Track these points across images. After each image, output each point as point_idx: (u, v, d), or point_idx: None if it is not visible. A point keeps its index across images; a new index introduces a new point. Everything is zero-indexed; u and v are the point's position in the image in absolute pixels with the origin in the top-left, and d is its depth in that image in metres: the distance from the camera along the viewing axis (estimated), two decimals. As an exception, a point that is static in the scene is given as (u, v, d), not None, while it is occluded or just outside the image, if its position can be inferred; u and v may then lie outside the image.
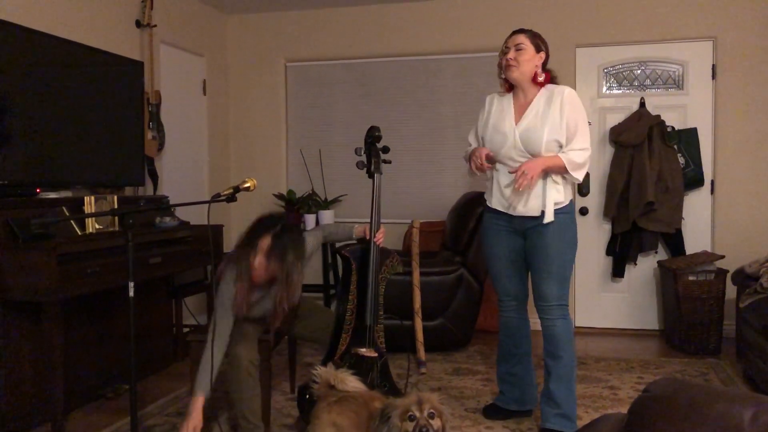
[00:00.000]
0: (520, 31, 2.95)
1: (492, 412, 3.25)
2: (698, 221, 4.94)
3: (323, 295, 5.23)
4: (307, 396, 2.78)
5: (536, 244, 2.92)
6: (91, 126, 3.75)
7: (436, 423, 2.09)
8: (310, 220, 5.25)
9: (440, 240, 5.00)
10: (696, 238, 4.92)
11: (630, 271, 5.06)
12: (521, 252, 3.02)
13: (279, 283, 2.72)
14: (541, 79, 2.92)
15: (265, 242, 2.70)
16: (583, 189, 5.09)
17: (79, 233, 3.34)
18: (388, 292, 3.07)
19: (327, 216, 5.26)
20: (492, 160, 2.94)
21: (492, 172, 3.04)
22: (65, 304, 3.03)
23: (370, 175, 3.00)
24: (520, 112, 2.94)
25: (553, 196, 2.87)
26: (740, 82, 4.82)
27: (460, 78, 5.34)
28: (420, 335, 4.07)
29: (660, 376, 3.90)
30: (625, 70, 5.07)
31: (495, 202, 3.02)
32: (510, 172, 2.88)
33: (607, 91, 5.10)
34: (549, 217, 2.86)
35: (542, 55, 2.93)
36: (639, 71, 5.04)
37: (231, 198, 2.71)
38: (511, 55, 2.89)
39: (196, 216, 4.61)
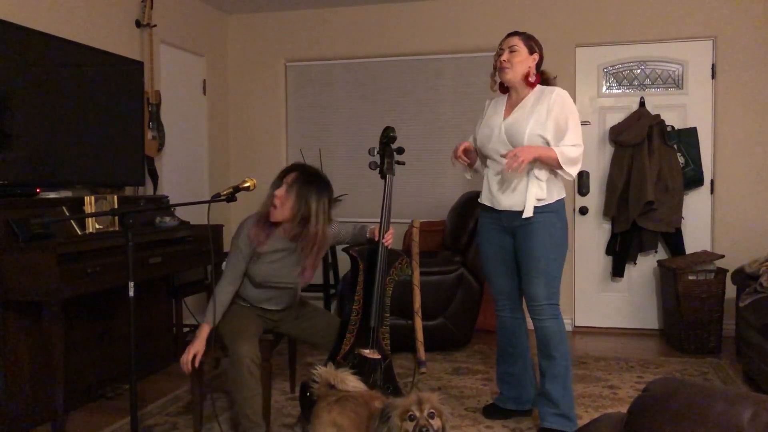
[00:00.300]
0: (515, 33, 3.01)
1: (491, 412, 3.25)
2: (698, 221, 4.94)
3: (323, 295, 5.24)
4: (308, 393, 2.78)
5: (523, 244, 2.95)
6: (91, 126, 3.75)
7: (436, 423, 2.09)
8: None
9: (440, 239, 5.00)
10: (696, 237, 4.92)
11: (630, 270, 5.06)
12: (511, 251, 3.04)
13: (300, 226, 2.79)
14: (532, 79, 2.97)
15: (291, 177, 2.81)
16: (582, 189, 5.10)
17: (80, 233, 3.34)
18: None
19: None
20: (469, 152, 3.06)
21: (484, 169, 3.10)
22: (65, 304, 3.03)
23: (383, 176, 2.99)
24: (510, 109, 3.01)
25: (535, 192, 2.89)
26: (740, 81, 4.82)
27: (460, 77, 5.34)
28: (420, 335, 4.06)
29: (660, 375, 3.90)
30: (624, 69, 5.07)
31: (484, 197, 3.09)
32: (501, 156, 2.91)
33: (607, 91, 5.10)
34: (528, 213, 2.88)
35: (535, 56, 2.99)
36: (639, 71, 5.04)
37: (231, 198, 2.71)
38: (505, 56, 2.96)
39: (196, 216, 4.61)
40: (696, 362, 4.18)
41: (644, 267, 5.05)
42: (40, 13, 3.67)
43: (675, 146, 4.83)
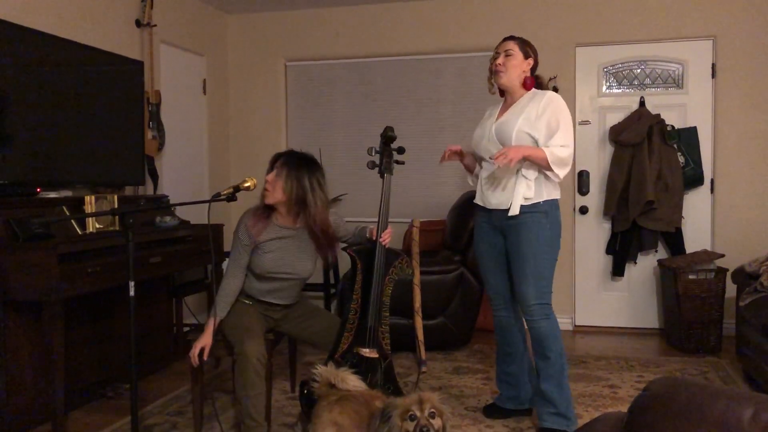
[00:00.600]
0: (510, 38, 3.07)
1: (491, 411, 3.26)
2: (698, 220, 4.94)
3: (324, 295, 5.25)
4: (305, 392, 2.78)
5: (511, 244, 2.98)
6: (91, 125, 3.75)
7: (436, 422, 2.09)
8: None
9: (440, 239, 5.00)
10: (696, 236, 4.92)
11: (630, 270, 5.06)
12: (503, 251, 3.06)
13: (298, 207, 2.87)
14: (527, 83, 3.02)
15: (280, 161, 2.89)
16: (583, 188, 5.10)
17: (80, 233, 3.34)
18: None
19: (327, 215, 5.26)
20: (461, 154, 3.15)
21: (478, 169, 3.15)
22: (66, 304, 3.03)
23: (381, 175, 3.00)
24: (504, 111, 3.07)
25: (522, 190, 2.91)
26: (740, 81, 4.82)
27: (460, 77, 5.34)
28: (420, 334, 4.07)
29: (660, 374, 3.90)
30: (624, 69, 5.07)
31: (477, 196, 3.14)
32: (489, 158, 2.95)
33: (607, 90, 5.10)
34: (514, 211, 2.90)
35: (530, 61, 3.04)
36: (639, 70, 5.04)
37: (231, 197, 2.72)
38: (500, 60, 3.01)
39: (196, 215, 4.61)
40: (696, 361, 4.18)
41: (644, 266, 5.05)
42: (40, 13, 3.67)
43: (675, 146, 4.83)
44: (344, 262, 5.21)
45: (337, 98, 5.61)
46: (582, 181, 5.09)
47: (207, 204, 2.71)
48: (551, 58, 4.94)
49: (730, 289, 4.31)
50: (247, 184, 2.79)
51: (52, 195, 3.45)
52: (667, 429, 1.29)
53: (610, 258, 5.09)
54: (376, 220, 2.95)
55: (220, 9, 5.56)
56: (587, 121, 5.08)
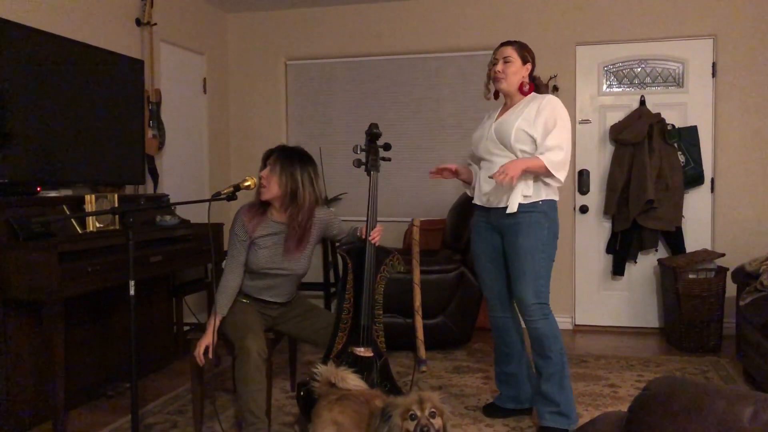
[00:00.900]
0: (508, 43, 3.08)
1: (491, 411, 3.26)
2: (698, 219, 4.94)
3: (323, 294, 5.25)
4: (302, 393, 2.78)
5: (509, 244, 2.98)
6: (91, 124, 3.75)
7: (437, 422, 2.09)
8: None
9: (441, 238, 5.00)
10: (696, 236, 4.92)
11: (630, 269, 5.06)
12: (500, 250, 3.06)
13: (290, 200, 2.88)
14: (525, 89, 3.04)
15: (273, 157, 2.92)
16: (583, 187, 5.09)
17: (80, 232, 3.34)
18: (389, 291, 3.07)
19: (327, 214, 5.26)
20: (455, 172, 3.18)
21: (476, 169, 3.17)
22: (66, 303, 3.03)
23: (368, 173, 3.00)
24: (503, 113, 3.08)
25: (521, 188, 2.92)
26: (740, 80, 4.82)
27: (460, 76, 5.34)
28: (420, 333, 4.07)
29: (660, 374, 3.90)
30: (625, 68, 5.07)
31: (475, 196, 3.14)
32: (489, 177, 2.95)
33: (608, 89, 5.10)
34: (512, 208, 2.90)
35: (528, 66, 3.06)
36: (639, 69, 5.04)
37: (231, 197, 2.72)
38: (500, 67, 3.03)
39: (196, 214, 4.61)
40: (696, 361, 4.18)
41: (644, 265, 5.05)
42: (40, 12, 3.67)
43: (675, 145, 4.83)
44: (344, 261, 5.21)
45: (337, 97, 5.61)
46: (582, 181, 5.09)
47: (207, 203, 2.71)
48: (551, 57, 4.94)
49: (731, 288, 4.30)
50: (247, 183, 2.80)
51: (53, 194, 3.45)
52: (668, 428, 1.29)
53: (610, 257, 5.09)
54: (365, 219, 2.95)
55: (221, 8, 5.56)
56: (587, 120, 5.08)
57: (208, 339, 2.82)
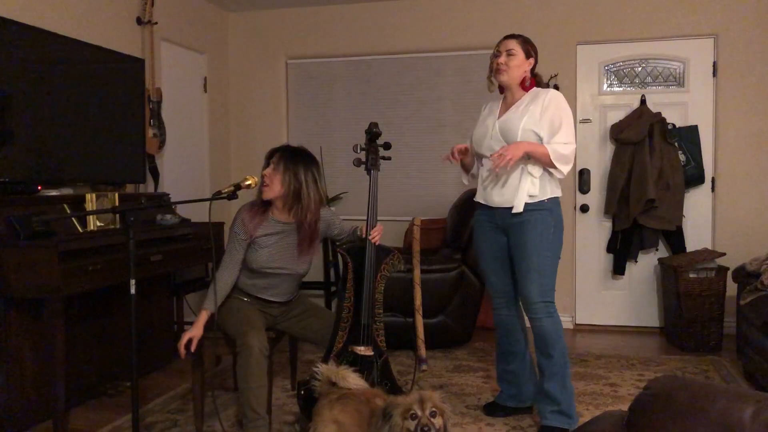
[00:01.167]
0: (512, 36, 3.04)
1: (492, 409, 3.26)
2: (699, 218, 4.94)
3: (324, 293, 5.25)
4: (302, 392, 2.78)
5: (515, 242, 2.97)
6: (92, 123, 3.75)
7: (437, 421, 2.09)
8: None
9: (441, 237, 5.00)
10: (697, 235, 4.92)
11: (631, 268, 5.06)
12: (505, 249, 3.05)
13: (293, 200, 2.88)
14: (527, 84, 3.02)
15: (276, 156, 2.91)
16: (583, 186, 5.09)
17: (81, 230, 3.34)
18: (389, 290, 3.07)
19: (328, 213, 5.26)
20: (465, 153, 3.08)
21: (479, 168, 3.14)
22: (67, 302, 3.03)
23: (368, 172, 3.00)
24: (505, 109, 3.05)
25: (527, 188, 2.91)
26: (741, 79, 4.81)
27: (461, 75, 5.34)
28: (421, 332, 4.07)
29: (660, 373, 3.90)
30: (626, 67, 5.07)
31: (478, 195, 3.12)
32: (489, 157, 2.93)
33: (608, 89, 5.10)
34: (518, 208, 2.89)
35: (531, 61, 3.03)
36: (640, 68, 5.04)
37: (232, 196, 2.72)
38: (502, 59, 2.99)
39: (197, 213, 4.61)
40: (696, 360, 4.18)
41: (645, 265, 5.04)
42: (41, 11, 3.67)
43: (676, 144, 4.82)
44: (345, 260, 5.22)
45: (338, 96, 5.61)
46: (583, 180, 5.09)
47: (208, 202, 2.72)
48: (552, 56, 4.94)
49: (731, 287, 4.31)
50: (248, 182, 2.80)
51: (53, 193, 3.45)
52: (668, 427, 1.29)
53: (610, 256, 5.09)
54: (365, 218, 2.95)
55: (221, 7, 5.55)
56: (588, 119, 5.07)
57: (193, 332, 2.82)
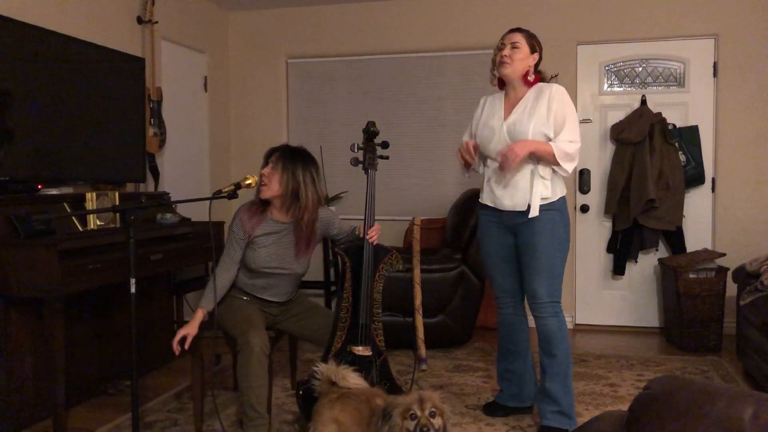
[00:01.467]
0: (518, 30, 3.00)
1: (492, 409, 3.25)
2: (699, 219, 4.94)
3: (324, 292, 5.25)
4: (301, 391, 2.78)
5: (525, 241, 2.94)
6: (92, 122, 3.75)
7: (437, 422, 2.09)
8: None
9: (441, 237, 5.00)
10: (697, 235, 4.92)
11: (630, 268, 5.06)
12: (512, 249, 3.03)
13: (291, 200, 2.89)
14: (530, 78, 2.97)
15: (276, 155, 2.92)
16: (584, 186, 5.09)
17: (81, 229, 3.34)
18: (389, 290, 3.07)
19: (328, 213, 5.27)
20: (476, 150, 3.01)
21: (484, 169, 3.09)
22: (67, 300, 3.03)
23: (365, 172, 3.00)
24: (509, 108, 3.00)
25: (540, 191, 2.89)
26: (742, 79, 4.81)
27: (461, 75, 5.34)
28: (421, 332, 4.07)
29: (660, 373, 3.90)
30: (626, 67, 5.07)
31: (485, 197, 3.07)
32: (494, 158, 2.91)
33: (609, 89, 5.10)
34: (534, 212, 2.87)
35: (536, 56, 2.99)
36: (640, 69, 5.04)
37: (232, 195, 2.73)
38: (506, 52, 2.94)
39: (197, 213, 4.61)
40: (696, 360, 4.18)
41: (645, 265, 5.05)
42: (41, 10, 3.67)
43: (676, 144, 4.83)
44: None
45: (338, 96, 5.61)
46: (583, 180, 5.09)
47: (208, 201, 2.72)
48: (552, 56, 4.92)
49: (731, 288, 4.31)
50: (248, 182, 2.80)
51: (54, 192, 3.45)
52: (668, 428, 1.29)
53: (610, 256, 5.09)
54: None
55: (222, 6, 5.55)
56: (588, 119, 5.07)
57: (188, 329, 2.82)
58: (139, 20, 4.44)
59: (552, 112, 2.86)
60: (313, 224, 2.95)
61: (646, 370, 4.00)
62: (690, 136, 4.86)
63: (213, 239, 3.19)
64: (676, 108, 4.93)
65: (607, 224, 5.09)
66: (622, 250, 4.99)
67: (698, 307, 4.38)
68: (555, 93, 2.89)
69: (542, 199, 2.89)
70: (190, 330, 2.82)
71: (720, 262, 4.51)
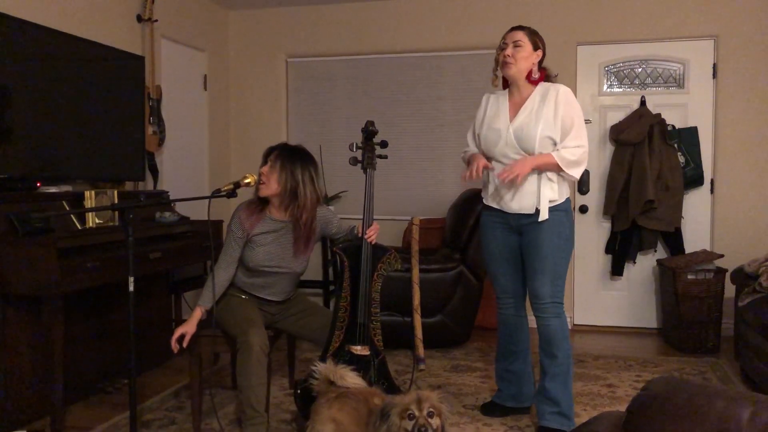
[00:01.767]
0: (519, 27, 2.96)
1: (490, 409, 3.25)
2: (698, 220, 4.94)
3: (322, 292, 5.25)
4: (299, 391, 2.78)
5: (530, 242, 2.93)
6: (91, 120, 3.75)
7: (435, 422, 2.09)
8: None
9: (440, 237, 5.00)
10: (695, 236, 4.92)
11: (629, 269, 5.06)
12: (516, 249, 3.02)
13: (290, 199, 2.88)
14: (536, 77, 2.94)
15: (274, 154, 2.92)
16: (583, 187, 5.10)
17: (80, 228, 3.34)
18: (387, 289, 3.07)
19: (327, 212, 5.26)
20: (487, 168, 2.97)
21: (489, 171, 3.06)
22: (65, 299, 3.03)
23: (364, 171, 3.00)
24: (514, 109, 2.96)
25: (548, 194, 2.88)
26: (741, 81, 4.82)
27: (460, 75, 5.34)
28: (419, 332, 4.07)
29: (658, 374, 3.90)
30: (626, 68, 5.07)
31: (489, 199, 3.06)
32: (497, 176, 2.90)
33: (608, 89, 5.10)
34: (543, 216, 2.87)
35: (539, 53, 2.95)
36: (640, 69, 5.04)
37: (231, 194, 2.72)
38: (509, 51, 2.91)
39: (196, 211, 4.61)
40: (694, 361, 4.19)
41: (643, 266, 5.05)
42: (41, 8, 3.67)
43: (675, 145, 4.83)
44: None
45: (337, 95, 5.61)
46: (582, 180, 5.09)
47: (207, 200, 2.71)
48: (552, 57, 4.88)
49: (729, 289, 4.31)
50: (247, 180, 2.80)
51: (52, 190, 3.45)
52: (666, 428, 1.29)
53: (609, 257, 5.09)
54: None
55: (221, 5, 5.55)
56: (588, 120, 5.07)
57: (186, 327, 2.83)
58: (139, 18, 4.44)
59: (559, 116, 2.84)
60: (312, 223, 2.94)
61: (644, 370, 4.00)
62: (689, 137, 4.86)
63: (212, 238, 3.19)
64: (675, 109, 4.93)
65: (606, 225, 5.09)
66: (620, 251, 4.99)
67: (696, 308, 4.39)
68: (562, 95, 2.86)
69: (550, 201, 2.88)
70: (189, 328, 2.82)
71: (718, 263, 4.51)
